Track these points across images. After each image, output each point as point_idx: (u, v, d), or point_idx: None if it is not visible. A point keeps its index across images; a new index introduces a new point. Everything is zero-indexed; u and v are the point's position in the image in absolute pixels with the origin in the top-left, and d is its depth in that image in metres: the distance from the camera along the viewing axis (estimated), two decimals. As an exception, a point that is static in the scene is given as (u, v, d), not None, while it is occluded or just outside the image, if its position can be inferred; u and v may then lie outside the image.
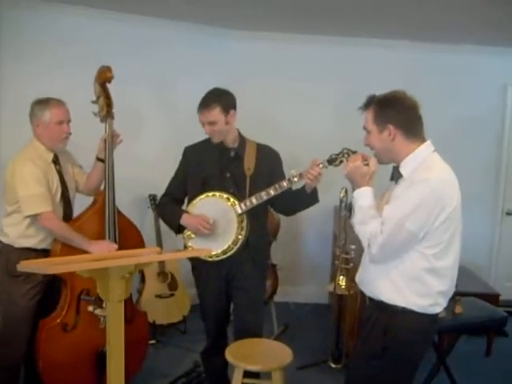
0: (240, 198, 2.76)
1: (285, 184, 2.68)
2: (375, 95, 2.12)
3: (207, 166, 2.86)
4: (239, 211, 2.74)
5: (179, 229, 2.88)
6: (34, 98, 2.95)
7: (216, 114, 2.74)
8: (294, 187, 2.79)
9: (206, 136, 2.88)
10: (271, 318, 4.33)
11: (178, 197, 2.97)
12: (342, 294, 3.78)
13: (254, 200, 2.73)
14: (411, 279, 2.03)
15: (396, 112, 2.05)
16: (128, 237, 3.10)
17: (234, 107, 2.82)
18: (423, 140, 2.08)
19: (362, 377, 2.15)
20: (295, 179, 2.66)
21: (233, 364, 2.61)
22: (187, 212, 2.84)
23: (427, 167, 2.02)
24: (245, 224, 2.75)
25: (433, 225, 1.96)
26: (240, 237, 2.75)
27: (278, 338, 3.99)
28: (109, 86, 3.08)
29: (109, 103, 3.06)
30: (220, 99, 2.77)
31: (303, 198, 2.79)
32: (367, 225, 2.05)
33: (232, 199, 2.76)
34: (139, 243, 3.18)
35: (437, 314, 2.10)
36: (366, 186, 2.13)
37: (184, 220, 2.82)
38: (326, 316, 4.55)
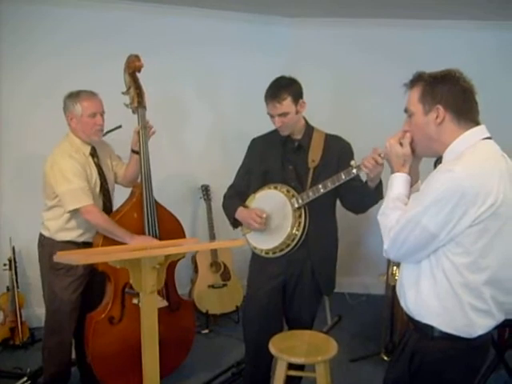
0: (301, 192, 2.61)
1: (343, 176, 2.45)
2: (425, 72, 1.79)
3: (269, 158, 2.77)
4: (296, 205, 2.59)
5: (235, 223, 2.82)
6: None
7: (287, 104, 2.58)
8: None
9: (273, 127, 2.75)
10: (325, 308, 4.26)
11: (241, 189, 2.89)
12: (395, 285, 3.65)
13: (310, 193, 2.56)
14: (442, 291, 1.68)
15: (448, 90, 1.71)
16: (168, 228, 3.06)
17: (302, 96, 2.66)
18: (475, 125, 1.73)
19: None
20: (354, 170, 2.41)
21: (276, 356, 2.58)
22: (245, 206, 2.78)
23: (460, 156, 1.66)
24: (303, 219, 2.60)
25: (456, 227, 1.60)
26: (297, 233, 2.60)
27: (330, 330, 3.92)
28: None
29: (139, 93, 2.97)
30: (290, 88, 2.60)
31: (366, 193, 2.55)
32: (387, 216, 1.77)
33: (292, 192, 2.62)
34: (180, 234, 3.13)
35: (478, 338, 1.69)
36: (400, 170, 1.83)
37: (238, 214, 2.75)
38: (381, 307, 4.42)
